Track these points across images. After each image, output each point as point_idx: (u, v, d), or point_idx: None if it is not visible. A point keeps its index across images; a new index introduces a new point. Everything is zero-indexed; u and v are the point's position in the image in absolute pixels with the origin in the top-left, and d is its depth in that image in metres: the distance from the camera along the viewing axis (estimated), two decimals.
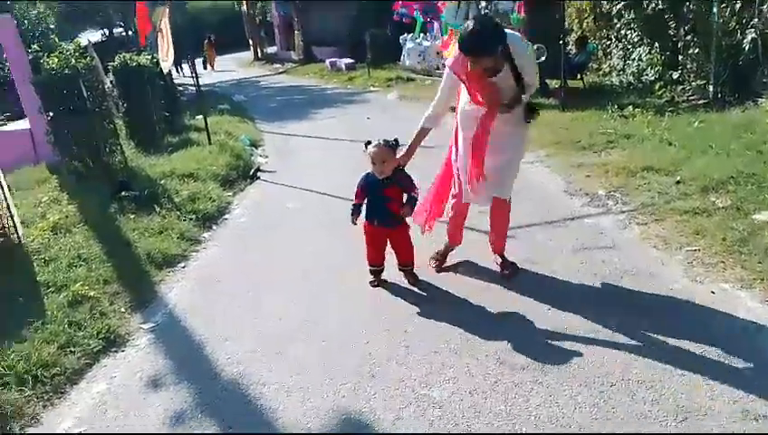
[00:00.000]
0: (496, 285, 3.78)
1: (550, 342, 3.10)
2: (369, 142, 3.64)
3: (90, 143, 6.59)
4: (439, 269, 4.04)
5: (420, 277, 3.93)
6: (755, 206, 4.26)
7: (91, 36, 21.03)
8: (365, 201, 3.80)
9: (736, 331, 3.04)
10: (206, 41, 25.54)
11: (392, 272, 3.97)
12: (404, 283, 3.91)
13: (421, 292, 3.80)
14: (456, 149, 3.75)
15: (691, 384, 2.64)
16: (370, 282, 3.94)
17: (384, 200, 3.71)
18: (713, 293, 3.39)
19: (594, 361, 2.89)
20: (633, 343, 3.00)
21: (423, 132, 3.70)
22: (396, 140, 3.65)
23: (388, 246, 3.91)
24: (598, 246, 4.20)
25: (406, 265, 3.94)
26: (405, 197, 3.71)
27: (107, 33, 24.89)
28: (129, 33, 24.25)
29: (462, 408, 2.66)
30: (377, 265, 3.94)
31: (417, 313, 3.54)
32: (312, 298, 3.88)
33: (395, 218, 3.74)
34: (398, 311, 3.59)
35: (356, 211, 3.81)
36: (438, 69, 14.37)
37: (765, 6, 7.01)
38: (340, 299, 3.82)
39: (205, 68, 24.23)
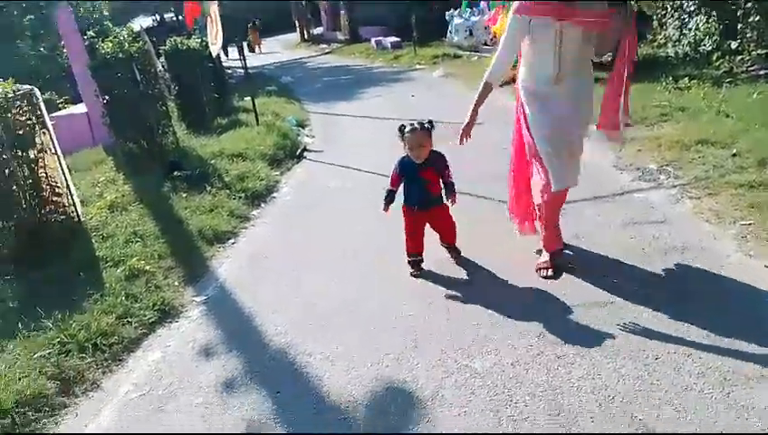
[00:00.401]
0: None
1: (596, 316, 3.06)
2: (403, 127, 3.57)
3: (143, 125, 6.81)
4: (553, 274, 3.52)
5: (462, 254, 3.92)
6: None
7: (143, 22, 21.59)
8: (400, 187, 3.73)
9: None
10: (250, 25, 25.89)
11: (430, 259, 3.93)
12: (445, 263, 3.90)
13: (463, 269, 3.80)
14: (528, 130, 3.43)
15: (740, 358, 2.58)
16: (411, 273, 3.80)
17: (423, 183, 3.66)
18: (766, 267, 3.28)
19: (640, 334, 2.85)
20: (681, 318, 2.94)
21: (486, 89, 3.44)
22: (430, 122, 3.59)
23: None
24: (648, 220, 4.10)
25: (449, 244, 3.93)
26: (441, 181, 3.66)
27: (158, 19, 25.50)
28: (180, 18, 24.74)
29: (503, 378, 2.67)
30: (418, 255, 3.84)
31: (460, 290, 3.55)
32: (355, 276, 3.94)
33: (434, 200, 3.71)
34: (440, 288, 3.61)
35: (390, 197, 3.70)
36: (486, 44, 14.14)
37: None
38: (382, 278, 3.86)
39: (251, 51, 24.54)
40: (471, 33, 14.98)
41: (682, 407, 2.36)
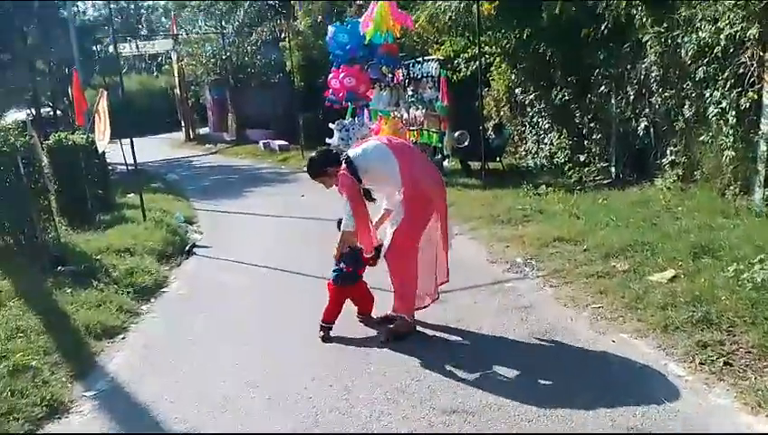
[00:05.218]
0: (431, 341, 4.18)
1: (478, 388, 3.46)
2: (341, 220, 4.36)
3: (24, 220, 6.61)
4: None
5: (361, 333, 4.31)
6: (649, 268, 4.86)
7: (18, 115, 20.71)
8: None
9: (633, 371, 3.53)
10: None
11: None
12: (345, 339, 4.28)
13: (358, 348, 4.13)
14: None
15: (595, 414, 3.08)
16: (323, 337, 4.29)
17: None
18: (613, 341, 3.90)
19: (514, 401, 3.27)
20: (547, 385, 3.45)
21: None
22: None
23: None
24: (517, 306, 4.66)
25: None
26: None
27: (33, 113, 24.55)
28: (58, 112, 24.05)
29: None
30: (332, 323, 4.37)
31: (356, 367, 3.84)
32: (252, 361, 4.09)
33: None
34: (338, 367, 3.87)
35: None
36: None
37: (654, 98, 8.04)
38: (281, 360, 4.06)
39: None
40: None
41: None
